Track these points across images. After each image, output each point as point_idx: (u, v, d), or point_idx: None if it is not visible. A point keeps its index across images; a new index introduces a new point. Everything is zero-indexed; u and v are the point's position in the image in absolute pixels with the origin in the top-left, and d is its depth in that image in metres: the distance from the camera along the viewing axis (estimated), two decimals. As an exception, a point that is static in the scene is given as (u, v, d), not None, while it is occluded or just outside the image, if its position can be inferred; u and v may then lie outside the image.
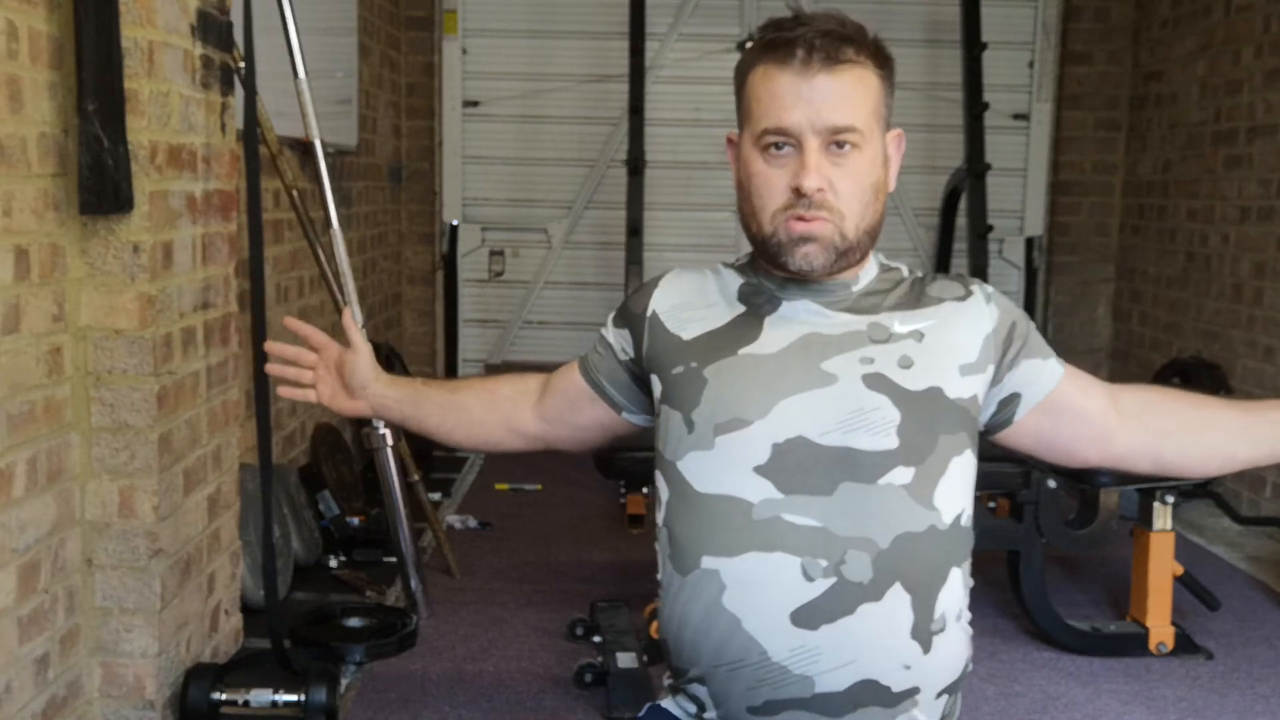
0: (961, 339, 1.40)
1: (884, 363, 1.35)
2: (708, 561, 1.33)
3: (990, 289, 1.46)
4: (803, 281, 1.41)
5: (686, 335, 1.43)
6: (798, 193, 1.33)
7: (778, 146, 1.34)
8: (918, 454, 1.32)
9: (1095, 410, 1.45)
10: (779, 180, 1.35)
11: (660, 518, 1.42)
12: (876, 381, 1.34)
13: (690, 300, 1.47)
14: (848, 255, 1.38)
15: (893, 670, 1.30)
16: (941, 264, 5.23)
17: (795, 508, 1.30)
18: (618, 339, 1.53)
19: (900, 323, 1.39)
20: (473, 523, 3.99)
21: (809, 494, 1.30)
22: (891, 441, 1.31)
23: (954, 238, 5.15)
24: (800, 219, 1.34)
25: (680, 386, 1.40)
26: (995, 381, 1.42)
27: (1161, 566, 2.98)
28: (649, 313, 1.48)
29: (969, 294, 1.44)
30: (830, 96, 1.32)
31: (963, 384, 1.38)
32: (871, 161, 1.37)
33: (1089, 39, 5.36)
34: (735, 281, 1.47)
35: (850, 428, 1.31)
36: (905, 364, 1.35)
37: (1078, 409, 1.45)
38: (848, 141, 1.34)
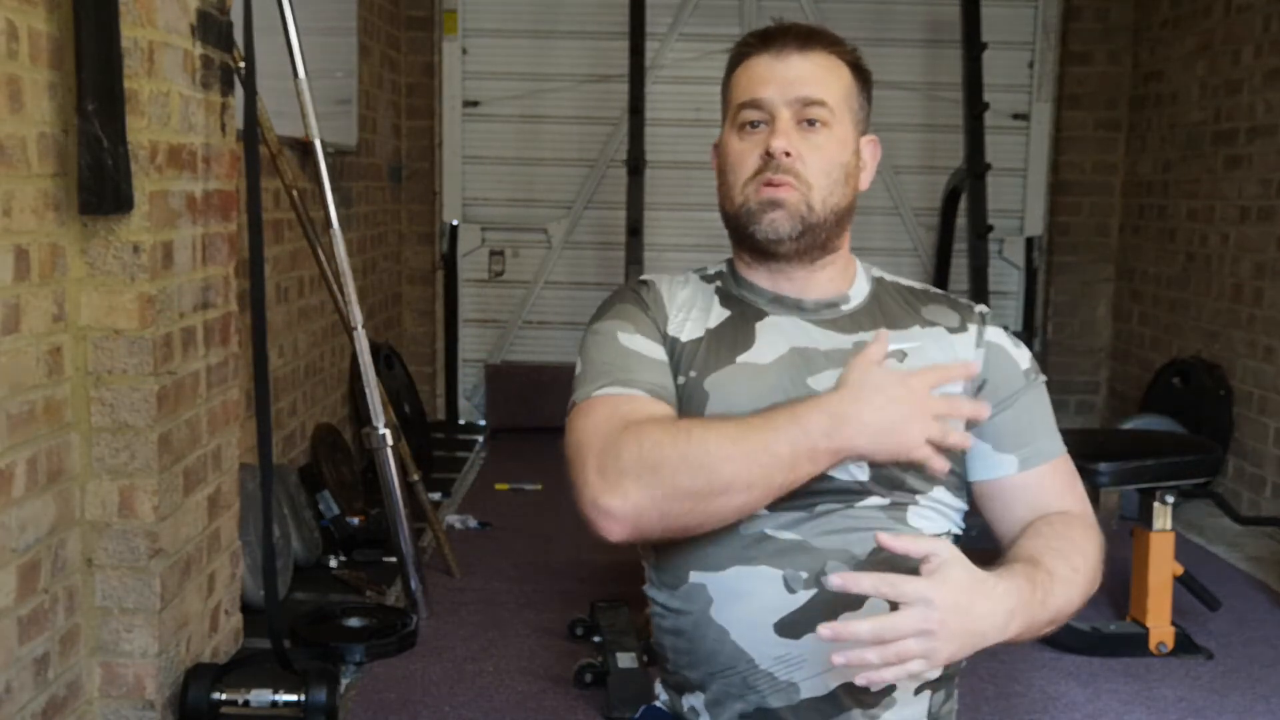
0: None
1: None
2: (695, 576, 1.33)
3: (993, 336, 1.41)
4: (791, 304, 1.40)
5: (684, 337, 1.41)
6: (768, 156, 1.36)
7: (753, 125, 1.38)
8: (888, 484, 1.32)
9: (1022, 518, 1.38)
10: (750, 151, 1.38)
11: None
12: None
13: (678, 308, 1.45)
14: (814, 232, 1.37)
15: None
16: (941, 264, 5.22)
17: (778, 523, 1.30)
18: (665, 355, 1.40)
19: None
20: (473, 523, 3.99)
21: (791, 511, 1.30)
22: (863, 472, 1.31)
23: (954, 238, 5.15)
24: (769, 184, 1.35)
25: (683, 399, 1.36)
26: (966, 426, 1.35)
27: (1161, 566, 2.98)
28: (667, 329, 1.42)
29: (963, 328, 1.41)
30: (803, 73, 1.37)
31: None
32: (842, 143, 1.39)
33: (1089, 39, 5.36)
34: (711, 285, 1.47)
35: None
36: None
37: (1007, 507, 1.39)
38: (818, 119, 1.37)
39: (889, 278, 1.48)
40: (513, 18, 5.40)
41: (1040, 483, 1.39)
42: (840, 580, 1.14)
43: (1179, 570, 3.02)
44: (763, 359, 1.36)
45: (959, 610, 1.14)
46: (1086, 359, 5.56)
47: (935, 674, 1.34)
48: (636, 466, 1.24)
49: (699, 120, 5.37)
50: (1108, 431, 4.60)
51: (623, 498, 1.24)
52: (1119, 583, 3.29)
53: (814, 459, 1.23)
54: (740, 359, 1.36)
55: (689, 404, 1.35)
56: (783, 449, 1.22)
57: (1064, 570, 1.28)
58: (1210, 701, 2.75)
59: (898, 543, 1.16)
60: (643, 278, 1.51)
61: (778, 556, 1.30)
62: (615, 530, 1.26)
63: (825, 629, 1.13)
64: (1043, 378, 1.44)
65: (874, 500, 1.32)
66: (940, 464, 1.24)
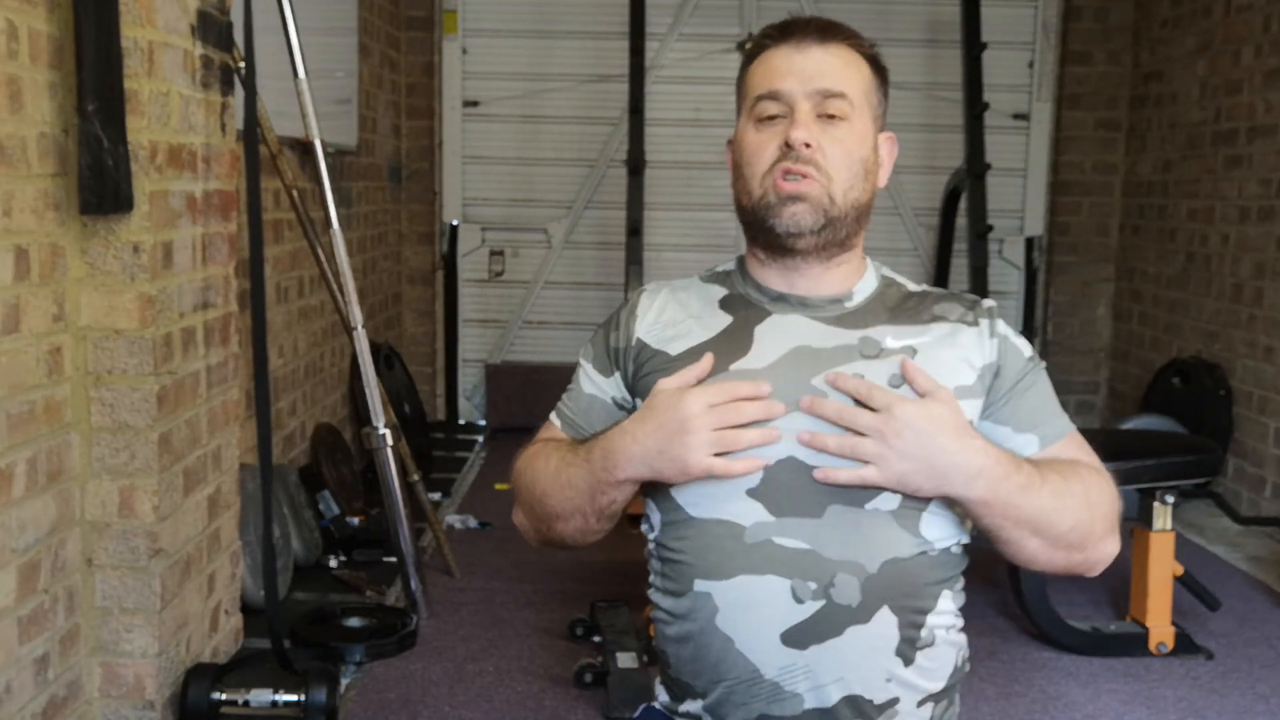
0: (957, 361, 1.37)
1: (873, 381, 1.31)
2: (700, 585, 1.32)
3: (1002, 328, 1.41)
4: (796, 301, 1.40)
5: (674, 350, 1.40)
6: (786, 148, 1.34)
7: (770, 118, 1.37)
8: None
9: None
10: (769, 143, 1.36)
11: (651, 539, 1.41)
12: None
13: (673, 315, 1.43)
14: (835, 226, 1.36)
15: (876, 685, 1.30)
16: (941, 264, 5.22)
17: (786, 530, 1.29)
18: (612, 388, 1.45)
19: (893, 338, 1.36)
20: (473, 523, 3.99)
21: (799, 516, 1.28)
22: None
23: (954, 238, 5.15)
24: (788, 173, 1.34)
25: None
26: (984, 415, 1.38)
27: (1161, 566, 2.98)
28: (634, 341, 1.43)
29: (975, 322, 1.40)
30: (822, 65, 1.36)
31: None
32: (861, 137, 1.37)
33: (1089, 39, 5.36)
34: (718, 291, 1.45)
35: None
36: (895, 384, 1.31)
37: None
38: (838, 113, 1.35)
39: (898, 278, 1.47)
40: (513, 18, 5.40)
41: (1060, 457, 1.39)
42: (832, 378, 1.29)
43: (1179, 570, 3.02)
44: (759, 364, 1.35)
45: (919, 432, 1.24)
46: (1086, 359, 5.56)
47: (938, 686, 1.34)
48: (515, 488, 1.46)
49: (699, 120, 5.38)
50: (1108, 431, 4.59)
51: (515, 515, 1.49)
52: (1119, 583, 3.29)
53: (604, 490, 1.33)
54: (734, 367, 1.34)
55: None
56: (580, 483, 1.35)
57: (1058, 482, 1.31)
58: (1210, 701, 2.75)
59: (915, 371, 1.29)
60: (645, 286, 1.50)
61: (786, 565, 1.28)
62: (527, 540, 1.49)
63: (805, 400, 1.28)
64: (1043, 363, 1.45)
65: (885, 500, 1.29)
66: (739, 466, 1.27)
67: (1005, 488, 1.27)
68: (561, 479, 1.37)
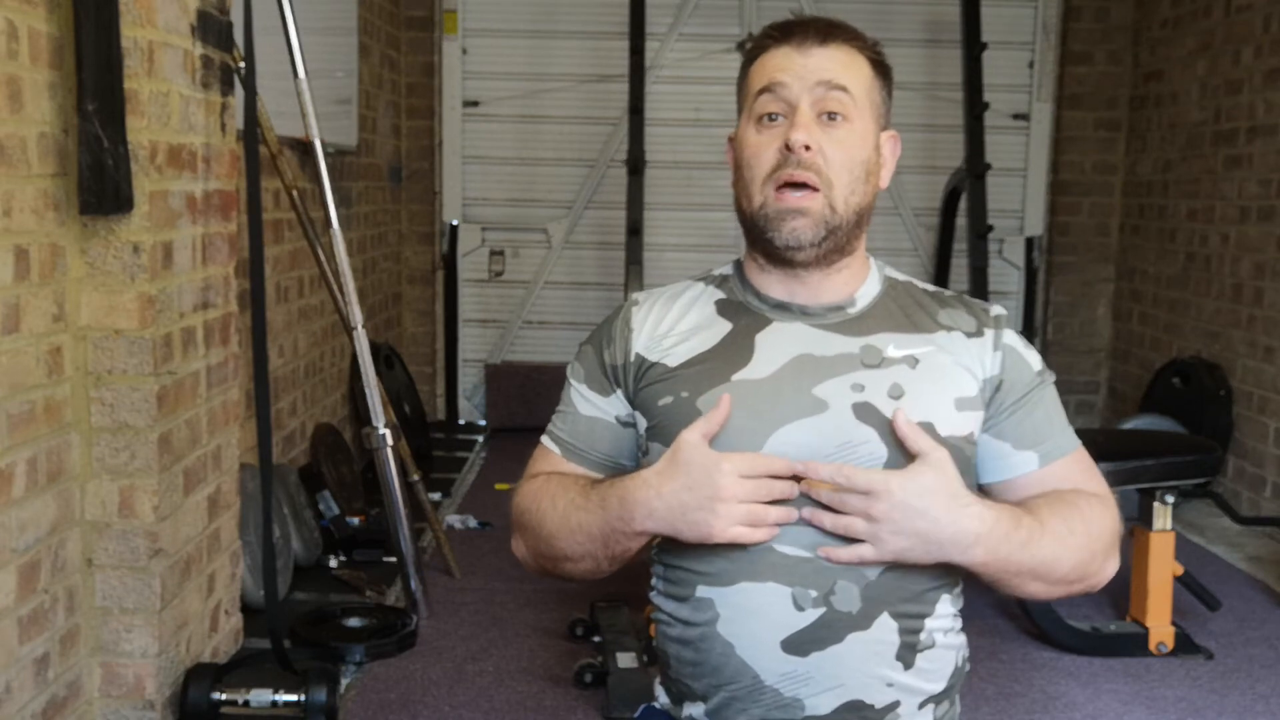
0: (959, 371, 1.36)
1: (873, 391, 1.31)
2: (702, 590, 1.32)
3: (1009, 339, 1.40)
4: (797, 309, 1.38)
5: (673, 362, 1.38)
6: (787, 150, 1.32)
7: (771, 117, 1.35)
8: None
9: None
10: (770, 145, 1.34)
11: (654, 545, 1.40)
12: (865, 412, 1.30)
13: (669, 325, 1.41)
14: (836, 235, 1.34)
15: (876, 689, 1.30)
16: (941, 264, 5.22)
17: (787, 538, 1.28)
18: (614, 406, 1.43)
19: (895, 346, 1.35)
20: (473, 523, 3.99)
21: (801, 525, 1.28)
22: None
23: (954, 238, 5.15)
24: (789, 183, 1.32)
25: (672, 419, 1.33)
26: (984, 429, 1.38)
27: (1161, 566, 2.98)
28: (632, 357, 1.41)
29: (980, 333, 1.39)
30: (824, 61, 1.35)
31: (958, 419, 1.33)
32: (863, 138, 1.36)
33: (1089, 39, 5.36)
34: (715, 296, 1.43)
35: (840, 460, 1.28)
36: (895, 394, 1.30)
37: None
38: (839, 112, 1.34)
39: (902, 278, 1.46)
40: (513, 18, 5.40)
41: (1061, 475, 1.38)
42: (804, 468, 1.24)
43: (1179, 570, 3.02)
44: (760, 373, 1.33)
45: (909, 510, 1.21)
46: (1086, 359, 5.56)
47: (939, 687, 1.34)
48: (517, 524, 1.43)
49: (699, 120, 5.38)
50: (1108, 431, 4.59)
51: (515, 546, 1.45)
52: (1119, 583, 3.29)
53: (618, 539, 1.30)
54: (736, 376, 1.33)
55: (679, 423, 1.31)
56: (594, 530, 1.32)
57: (1058, 526, 1.29)
58: (1210, 701, 2.75)
59: (907, 429, 1.26)
60: (635, 296, 1.48)
61: (787, 573, 1.27)
62: (527, 570, 1.46)
63: (800, 465, 1.25)
64: (1052, 376, 1.43)
65: None
66: (760, 535, 1.25)
67: (1005, 548, 1.25)
68: (572, 522, 1.33)
